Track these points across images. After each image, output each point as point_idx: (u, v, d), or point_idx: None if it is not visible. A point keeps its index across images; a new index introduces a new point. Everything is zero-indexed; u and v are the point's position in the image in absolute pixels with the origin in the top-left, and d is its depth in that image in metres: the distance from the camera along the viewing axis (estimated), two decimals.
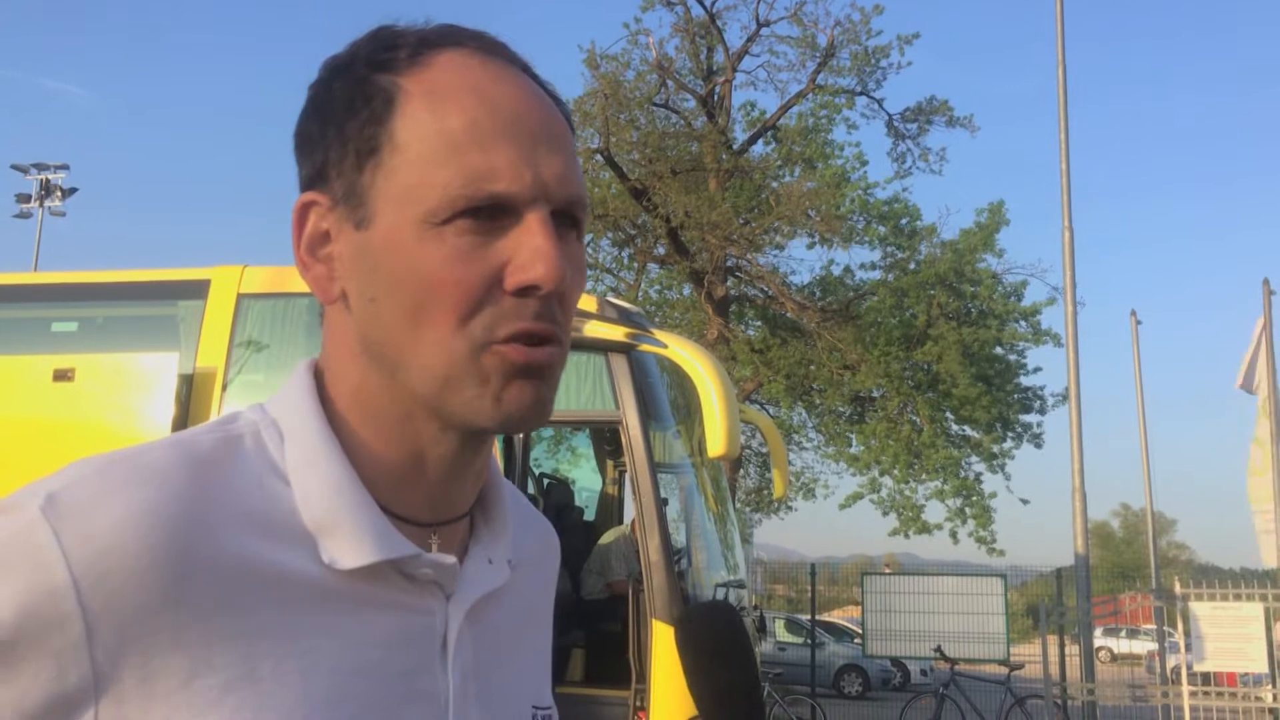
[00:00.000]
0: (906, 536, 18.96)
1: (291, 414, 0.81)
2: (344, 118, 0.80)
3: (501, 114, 0.78)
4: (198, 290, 6.98)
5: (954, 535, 18.62)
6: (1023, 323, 18.37)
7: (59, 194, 31.39)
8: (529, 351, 0.77)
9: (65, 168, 31.78)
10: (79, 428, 6.60)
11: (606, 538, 7.81)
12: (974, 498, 18.44)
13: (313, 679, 0.74)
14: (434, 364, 0.77)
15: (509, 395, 0.77)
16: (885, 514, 18.96)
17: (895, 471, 18.58)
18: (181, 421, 6.56)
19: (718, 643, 1.06)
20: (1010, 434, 19.02)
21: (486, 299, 0.76)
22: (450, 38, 0.81)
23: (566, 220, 0.80)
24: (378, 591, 0.78)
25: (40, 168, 31.39)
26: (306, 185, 0.83)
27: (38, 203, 31.14)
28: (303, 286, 6.90)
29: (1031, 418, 19.18)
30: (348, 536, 0.77)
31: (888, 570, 18.11)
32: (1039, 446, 19.21)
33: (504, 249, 0.76)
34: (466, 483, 0.86)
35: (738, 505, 19.09)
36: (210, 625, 0.71)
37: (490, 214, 0.76)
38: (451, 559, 0.82)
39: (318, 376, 0.84)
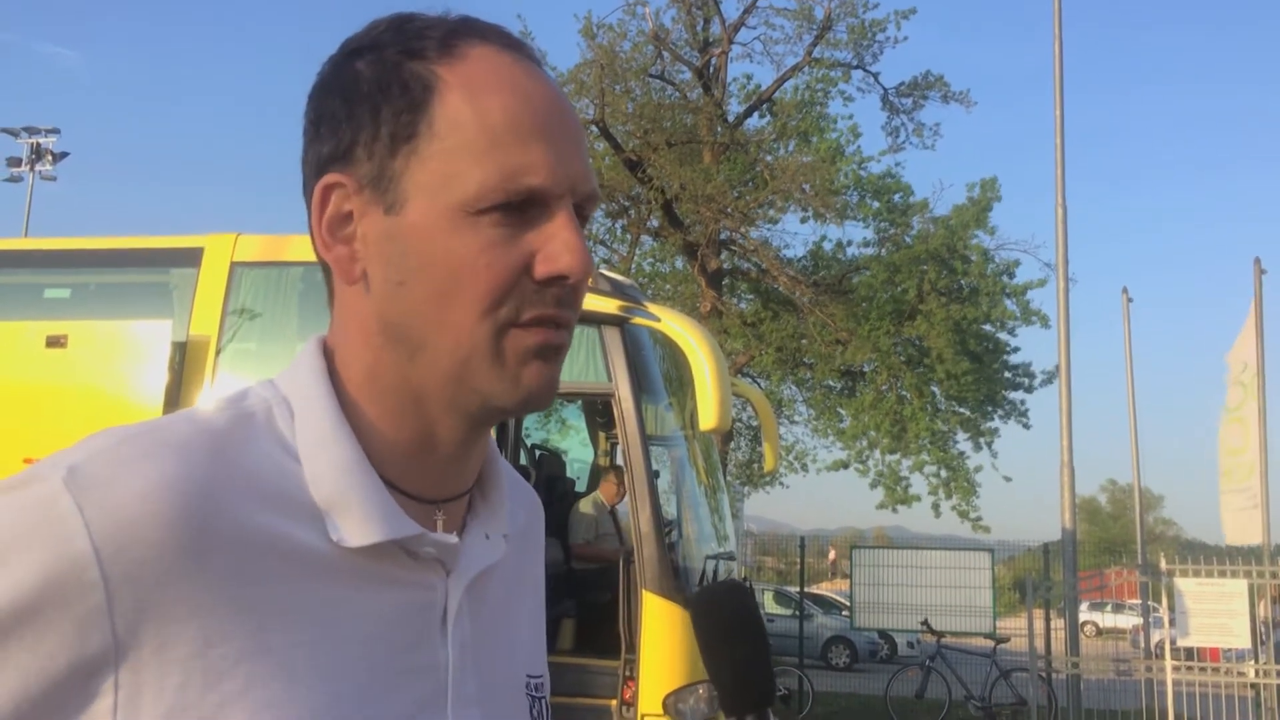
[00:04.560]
0: (894, 510, 19.07)
1: (302, 392, 0.83)
2: (378, 101, 0.81)
3: (538, 111, 0.80)
4: (191, 258, 6.96)
5: (936, 508, 18.70)
6: (1012, 301, 18.36)
7: (50, 158, 31.19)
8: (546, 332, 0.81)
9: (56, 131, 31.56)
10: (72, 394, 6.60)
11: (579, 505, 7.90)
12: (958, 471, 18.49)
13: (321, 651, 0.77)
14: (458, 346, 0.79)
15: (526, 374, 0.81)
16: (873, 486, 19.03)
17: (883, 442, 18.63)
18: (174, 389, 6.56)
19: (732, 620, 1.09)
20: (998, 412, 19.07)
21: (514, 287, 0.79)
22: (476, 31, 0.83)
23: (579, 214, 0.83)
24: (383, 568, 0.81)
25: (31, 131, 31.16)
26: (325, 163, 0.83)
27: (28, 167, 30.94)
28: (297, 255, 6.88)
29: (1018, 395, 19.24)
30: (355, 516, 0.79)
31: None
32: (1026, 427, 19.25)
33: (532, 240, 0.80)
34: (471, 461, 0.88)
35: (728, 478, 19.15)
36: (225, 596, 0.73)
37: (521, 207, 0.79)
38: (454, 539, 0.85)
39: (327, 355, 0.86)
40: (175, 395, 6.54)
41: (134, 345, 6.76)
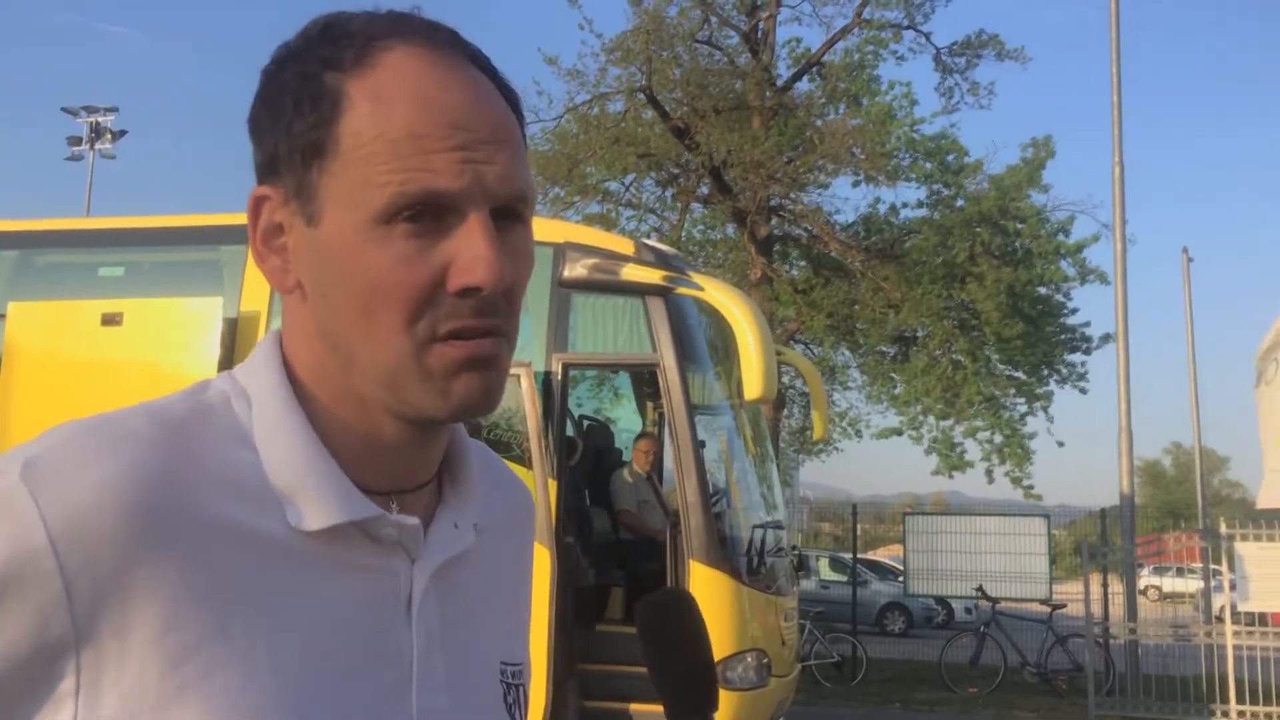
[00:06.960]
0: (950, 476, 18.94)
1: (259, 384, 0.85)
2: (292, 116, 0.81)
3: (444, 117, 0.79)
4: (239, 235, 7.04)
5: (989, 474, 18.53)
6: (1067, 260, 18.04)
7: (109, 136, 31.63)
8: (471, 345, 0.80)
9: (114, 110, 31.97)
10: (128, 371, 6.73)
11: (619, 474, 7.95)
12: (1013, 437, 18.29)
13: (281, 637, 0.78)
14: (382, 361, 0.80)
15: (456, 388, 0.80)
16: (927, 453, 18.88)
17: (937, 408, 18.47)
18: (227, 364, 6.66)
19: (674, 628, 1.12)
20: (1054, 375, 18.83)
21: (430, 300, 0.79)
22: (399, 33, 0.82)
23: (509, 215, 0.82)
24: (344, 553, 0.82)
25: (90, 110, 31.60)
26: (260, 174, 0.85)
27: (88, 145, 31.42)
28: None
29: (1076, 358, 18.97)
30: (313, 499, 0.80)
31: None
32: (1084, 392, 18.97)
33: (447, 250, 0.79)
34: (426, 457, 0.89)
35: (781, 446, 19.08)
36: (183, 583, 0.74)
37: (433, 215, 0.78)
38: (414, 520, 0.85)
39: (284, 349, 0.87)
40: (228, 370, 6.65)
41: (186, 322, 6.87)
